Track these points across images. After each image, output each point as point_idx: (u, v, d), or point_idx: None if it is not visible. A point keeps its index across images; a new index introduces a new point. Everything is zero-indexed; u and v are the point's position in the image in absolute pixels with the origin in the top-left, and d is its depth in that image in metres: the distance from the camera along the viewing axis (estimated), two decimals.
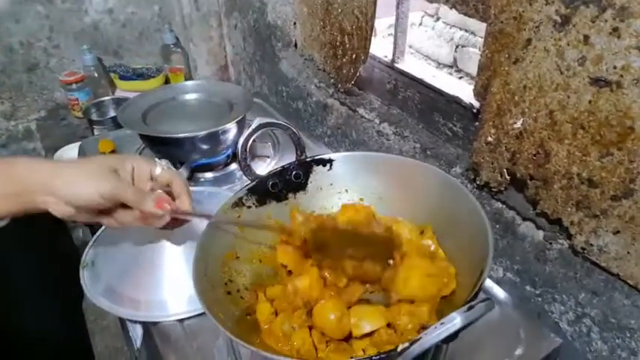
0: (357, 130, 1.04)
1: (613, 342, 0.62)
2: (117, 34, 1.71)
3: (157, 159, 0.61)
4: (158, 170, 0.62)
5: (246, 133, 0.70)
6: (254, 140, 0.72)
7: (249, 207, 0.69)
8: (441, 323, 0.39)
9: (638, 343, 0.60)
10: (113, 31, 1.70)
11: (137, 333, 0.71)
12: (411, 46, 2.32)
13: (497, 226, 0.75)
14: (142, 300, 0.69)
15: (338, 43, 1.04)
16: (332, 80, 1.10)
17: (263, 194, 0.71)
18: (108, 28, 1.68)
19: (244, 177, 0.76)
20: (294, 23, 1.21)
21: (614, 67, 0.53)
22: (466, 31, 2.02)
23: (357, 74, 1.00)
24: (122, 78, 1.65)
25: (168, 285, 0.70)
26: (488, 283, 0.75)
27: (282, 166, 0.70)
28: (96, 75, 1.61)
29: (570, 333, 0.68)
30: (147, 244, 0.75)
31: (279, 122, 0.71)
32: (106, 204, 0.56)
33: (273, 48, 1.32)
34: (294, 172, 0.70)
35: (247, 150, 0.70)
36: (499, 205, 0.75)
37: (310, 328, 0.53)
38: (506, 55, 0.66)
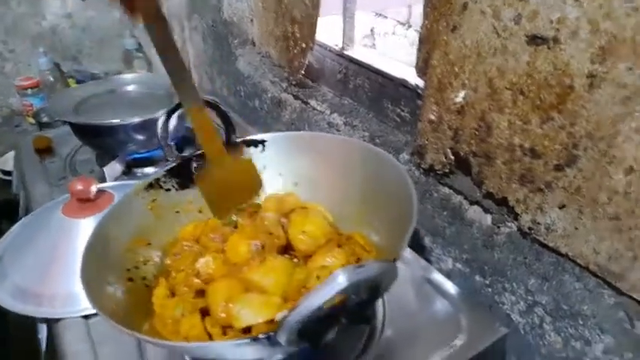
0: (309, 124, 0.99)
1: (566, 332, 0.56)
2: (76, 39, 1.66)
3: None
4: None
5: (168, 109, 0.64)
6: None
7: (168, 190, 0.63)
8: (323, 283, 0.32)
9: (592, 331, 0.53)
10: (72, 35, 1.65)
11: (44, 334, 0.64)
12: (385, 55, 2.31)
13: (445, 212, 0.70)
14: (46, 294, 0.62)
15: (290, 34, 0.99)
16: (285, 74, 1.06)
17: (186, 177, 0.65)
18: (66, 33, 1.63)
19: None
20: (251, 20, 1.17)
21: (551, 22, 0.49)
22: None
23: (307, 62, 0.96)
24: (79, 82, 1.60)
25: (77, 279, 0.63)
26: (440, 278, 0.69)
27: None
28: (52, 79, 1.55)
29: (522, 325, 0.61)
30: (62, 237, 0.68)
31: (205, 98, 0.65)
32: None
33: (230, 46, 1.28)
34: None
35: (168, 127, 0.64)
36: (446, 190, 0.69)
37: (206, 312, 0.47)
38: (445, 24, 0.61)
